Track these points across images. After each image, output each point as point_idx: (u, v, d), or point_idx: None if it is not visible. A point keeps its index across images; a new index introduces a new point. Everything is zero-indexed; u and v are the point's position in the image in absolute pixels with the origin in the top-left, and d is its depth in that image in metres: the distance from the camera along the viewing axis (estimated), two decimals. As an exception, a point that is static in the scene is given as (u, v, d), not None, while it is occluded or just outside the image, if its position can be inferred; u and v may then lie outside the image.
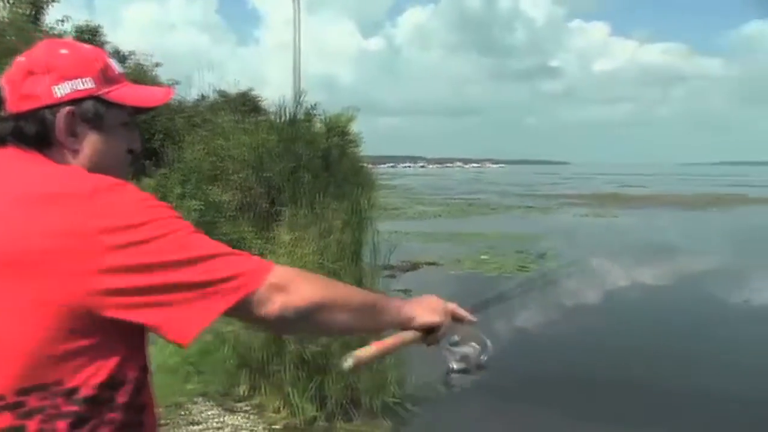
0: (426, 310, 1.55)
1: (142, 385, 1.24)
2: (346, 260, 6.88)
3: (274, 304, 1.23)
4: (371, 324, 1.50)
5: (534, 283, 2.23)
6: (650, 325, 10.33)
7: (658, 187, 64.21)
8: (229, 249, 1.24)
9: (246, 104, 17.88)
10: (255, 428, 5.60)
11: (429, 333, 1.57)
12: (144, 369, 1.27)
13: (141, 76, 15.33)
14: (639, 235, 22.95)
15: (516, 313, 10.64)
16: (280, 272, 1.26)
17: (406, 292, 11.42)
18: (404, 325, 1.53)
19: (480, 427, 6.18)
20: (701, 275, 14.97)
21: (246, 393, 5.96)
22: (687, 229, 26.40)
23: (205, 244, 1.21)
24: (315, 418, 5.67)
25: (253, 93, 19.89)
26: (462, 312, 1.66)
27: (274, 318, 1.23)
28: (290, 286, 1.25)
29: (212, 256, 1.19)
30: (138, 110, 1.42)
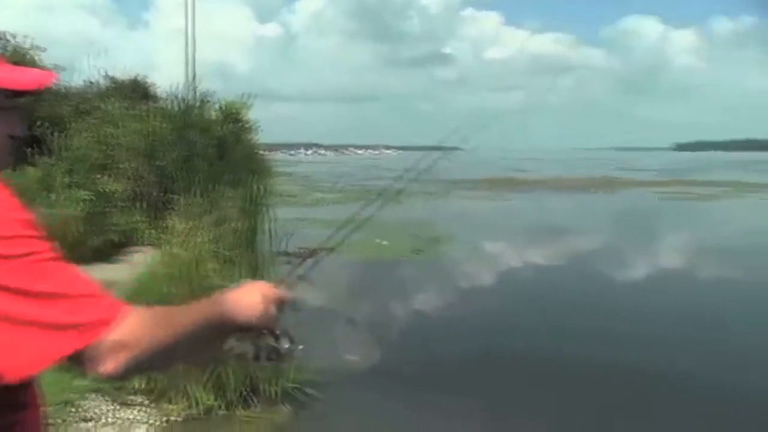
0: (243, 307, 1.37)
1: (19, 385, 1.15)
2: (243, 248, 6.84)
3: (114, 362, 1.15)
4: (213, 347, 1.43)
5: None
6: (543, 303, 10.74)
7: (548, 171, 66.59)
8: (83, 286, 1.16)
9: (137, 91, 17.20)
10: (151, 421, 5.51)
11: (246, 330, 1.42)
12: None
13: (20, 59, 14.50)
14: (532, 218, 23.89)
15: (413, 297, 10.91)
16: (125, 328, 1.16)
17: (303, 278, 11.49)
18: (231, 329, 1.39)
19: (379, 409, 6.30)
20: (589, 254, 15.83)
21: (141, 386, 5.83)
22: (576, 210, 27.69)
23: (60, 278, 1.13)
24: (213, 408, 5.63)
25: (145, 79, 19.16)
26: (286, 295, 1.53)
27: (113, 374, 1.16)
28: (132, 342, 1.16)
29: (62, 296, 1.11)
30: (17, 93, 1.34)
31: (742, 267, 13.82)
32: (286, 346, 1.40)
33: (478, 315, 9.88)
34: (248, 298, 1.40)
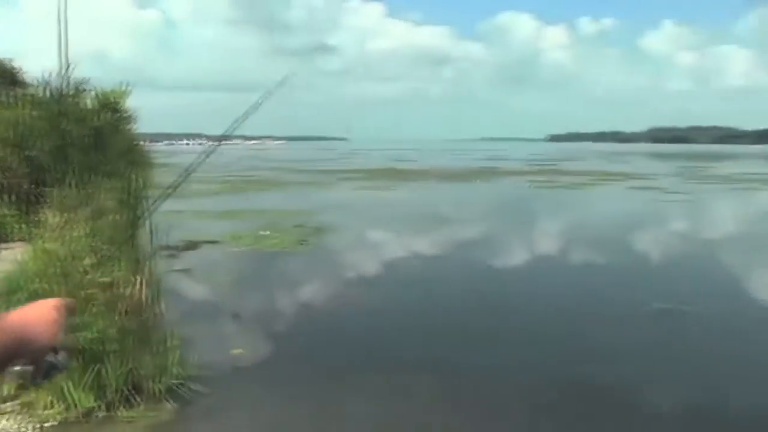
0: (33, 327, 1.25)
1: None
2: (121, 242, 6.59)
3: None
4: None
5: None
6: (427, 292, 10.97)
7: (430, 161, 68.15)
8: None
9: (4, 77, 16.10)
10: (24, 429, 5.23)
11: None
12: None
13: None
14: (414, 207, 24.32)
15: (297, 288, 10.90)
16: None
17: (186, 272, 11.23)
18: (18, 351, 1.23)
19: (265, 402, 6.29)
20: (468, 241, 16.30)
21: (12, 391, 5.51)
22: (456, 199, 28.44)
23: None
24: (93, 409, 5.43)
25: (12, 64, 17.91)
26: (72, 309, 1.38)
27: None
28: None
29: None
30: None
31: (609, 251, 14.72)
32: (61, 359, 1.31)
33: (364, 306, 9.99)
34: (36, 316, 1.27)
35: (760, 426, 5.93)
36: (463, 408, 6.22)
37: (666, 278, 12.22)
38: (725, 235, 18.31)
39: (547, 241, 16.66)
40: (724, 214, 23.98)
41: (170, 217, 10.09)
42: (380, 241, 16.14)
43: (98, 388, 5.51)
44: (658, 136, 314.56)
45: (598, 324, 9.09)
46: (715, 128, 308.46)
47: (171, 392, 5.90)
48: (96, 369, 5.47)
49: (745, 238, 18.10)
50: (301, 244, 14.59)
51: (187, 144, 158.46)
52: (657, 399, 6.41)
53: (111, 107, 10.66)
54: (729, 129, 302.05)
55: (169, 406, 5.75)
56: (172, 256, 12.51)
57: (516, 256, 14.08)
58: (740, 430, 5.88)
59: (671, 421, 6.02)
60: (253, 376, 6.81)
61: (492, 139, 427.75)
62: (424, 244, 15.52)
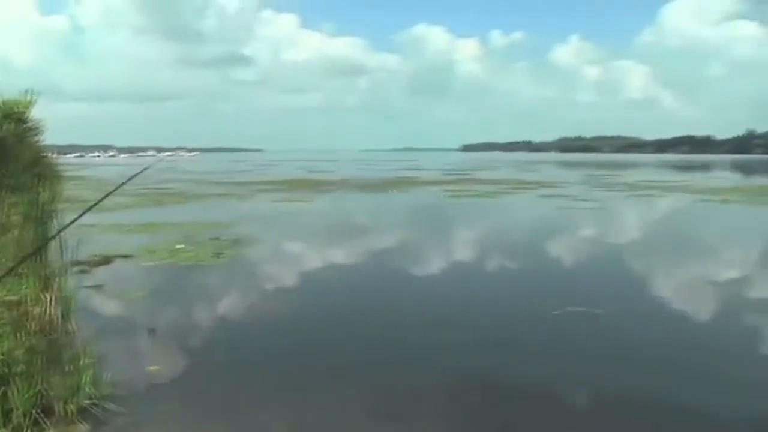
0: None
1: None
2: (30, 258, 6.35)
3: None
4: None
5: None
6: (345, 303, 10.99)
7: (345, 172, 68.34)
8: None
9: None
10: None
11: None
12: None
13: None
14: (331, 218, 24.35)
15: (214, 302, 10.72)
16: None
17: (99, 288, 10.87)
18: None
19: (180, 419, 6.16)
20: (388, 250, 16.44)
21: None
22: (373, 209, 28.64)
23: None
24: (-2, 435, 5.19)
25: None
26: None
27: None
28: None
29: None
30: None
31: (522, 257, 15.16)
32: None
33: (280, 317, 9.90)
34: None
35: (664, 416, 6.23)
36: (375, 414, 6.28)
37: (577, 282, 12.68)
38: (630, 240, 19.16)
39: (462, 248, 17.00)
40: (629, 220, 25.06)
41: (82, 231, 9.76)
42: (297, 253, 16.08)
43: (3, 413, 5.28)
44: (566, 145, 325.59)
45: (511, 326, 9.39)
46: (619, 138, 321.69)
47: (84, 413, 5.71)
48: (1, 392, 5.24)
49: (648, 242, 19.02)
50: (218, 256, 14.35)
51: (98, 156, 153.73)
52: (568, 394, 6.66)
53: (15, 117, 10.24)
54: (631, 138, 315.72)
55: (82, 427, 5.56)
56: (83, 271, 12.08)
57: (432, 265, 14.30)
58: (647, 420, 6.15)
59: (582, 414, 6.26)
60: (169, 393, 6.65)
61: (408, 149, 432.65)
62: (341, 255, 15.57)
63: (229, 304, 10.62)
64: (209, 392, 6.75)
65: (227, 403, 6.42)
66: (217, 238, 16.79)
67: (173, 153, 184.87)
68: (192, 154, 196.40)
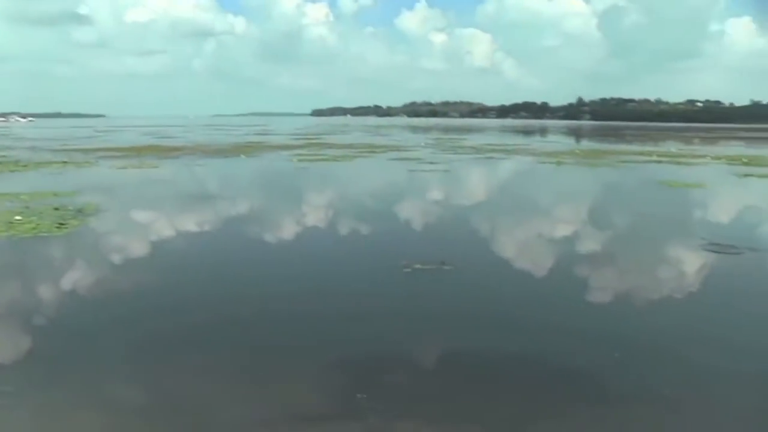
0: None
1: None
2: None
3: None
4: None
5: None
6: (200, 270, 11.06)
7: (195, 137, 66.41)
8: None
9: None
10: None
11: None
12: None
13: None
14: (180, 185, 23.84)
15: (58, 276, 10.39)
16: None
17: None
18: None
19: (20, 399, 6.06)
20: (238, 217, 16.47)
21: None
22: (222, 174, 28.26)
23: None
24: None
25: None
26: None
27: None
28: None
29: None
30: None
31: (373, 218, 15.74)
32: None
33: (128, 289, 9.65)
34: None
35: (507, 365, 6.96)
36: (209, 387, 6.42)
37: (427, 241, 13.42)
38: (477, 200, 20.43)
39: (313, 213, 17.38)
40: (476, 182, 26.52)
41: None
42: (146, 221, 15.76)
43: None
44: (414, 110, 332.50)
45: (363, 285, 9.88)
46: (464, 103, 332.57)
47: None
48: None
49: (493, 202, 20.36)
50: (61, 227, 13.76)
51: None
52: (416, 350, 7.24)
53: None
54: (476, 104, 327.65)
55: None
56: None
57: (283, 230, 14.59)
58: (492, 371, 6.81)
59: (430, 372, 6.83)
60: (7, 374, 6.49)
61: (259, 114, 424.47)
62: (190, 223, 15.42)
63: (73, 277, 10.30)
64: (48, 371, 6.59)
65: (66, 382, 6.33)
66: (59, 208, 16.08)
67: (5, 119, 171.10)
68: (27, 119, 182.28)
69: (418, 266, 10.43)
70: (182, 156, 37.41)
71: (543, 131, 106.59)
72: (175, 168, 30.31)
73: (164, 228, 14.67)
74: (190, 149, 43.66)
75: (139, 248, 12.49)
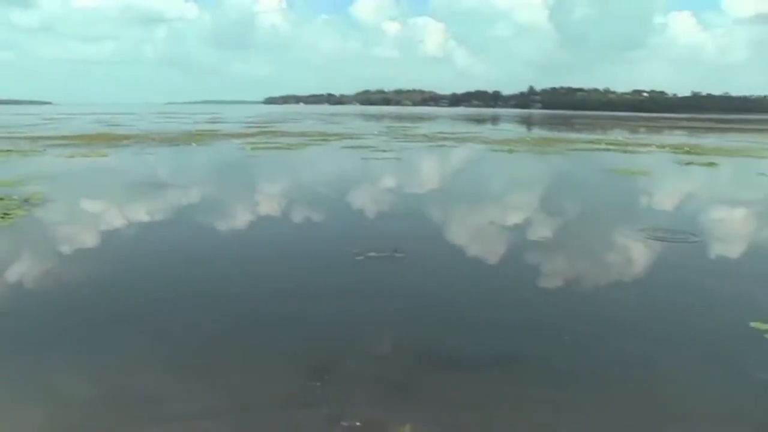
0: None
1: None
2: None
3: None
4: None
5: None
6: (151, 261, 10.98)
7: (145, 125, 65.21)
8: None
9: None
10: None
11: None
12: None
13: None
14: (131, 173, 23.47)
15: (3, 267, 10.17)
16: None
17: None
18: None
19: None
20: (185, 206, 16.31)
21: None
22: (174, 163, 27.91)
23: None
24: None
25: None
26: None
27: None
28: None
29: None
30: None
31: (324, 207, 15.81)
32: None
33: (77, 281, 9.50)
34: None
35: (460, 351, 7.13)
36: (153, 378, 6.49)
37: (380, 228, 13.54)
38: (429, 188, 20.60)
39: (266, 201, 17.35)
40: (428, 169, 26.75)
41: None
42: (94, 210, 15.52)
43: None
44: (367, 98, 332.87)
45: (314, 273, 9.93)
46: (416, 91, 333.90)
47: None
48: None
49: (445, 189, 20.57)
50: (4, 218, 13.46)
51: None
52: (369, 337, 7.36)
53: None
54: (428, 92, 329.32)
55: None
56: None
57: (236, 218, 14.55)
58: (450, 356, 6.99)
59: (384, 357, 6.94)
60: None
61: (211, 102, 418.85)
62: (141, 212, 15.23)
63: (18, 269, 10.09)
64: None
65: (12, 373, 6.33)
66: (3, 198, 15.70)
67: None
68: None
69: (371, 254, 10.54)
70: (133, 144, 36.75)
71: (495, 119, 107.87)
72: (126, 156, 29.79)
73: (114, 217, 14.45)
74: (140, 137, 42.91)
75: (87, 238, 12.30)
